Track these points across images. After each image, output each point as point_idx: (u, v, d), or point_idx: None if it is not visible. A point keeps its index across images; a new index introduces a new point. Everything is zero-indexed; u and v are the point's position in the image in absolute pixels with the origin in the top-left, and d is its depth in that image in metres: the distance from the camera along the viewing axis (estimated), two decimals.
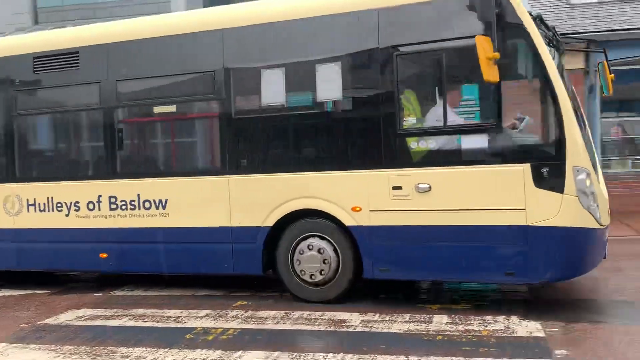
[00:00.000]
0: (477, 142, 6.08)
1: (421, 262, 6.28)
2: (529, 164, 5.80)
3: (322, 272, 6.57)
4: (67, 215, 7.67)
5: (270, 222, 6.75)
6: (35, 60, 7.84)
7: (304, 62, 6.65)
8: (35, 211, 7.85)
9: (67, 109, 7.91)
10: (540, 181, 5.81)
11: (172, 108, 7.46)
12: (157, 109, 7.50)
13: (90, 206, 7.55)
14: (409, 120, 6.34)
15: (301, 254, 6.64)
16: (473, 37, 5.62)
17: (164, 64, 7.30)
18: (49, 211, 7.77)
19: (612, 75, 7.30)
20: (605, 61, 7.31)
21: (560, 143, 5.77)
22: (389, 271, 6.41)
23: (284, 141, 7.00)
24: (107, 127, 7.56)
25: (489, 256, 6.05)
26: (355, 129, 6.56)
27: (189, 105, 7.51)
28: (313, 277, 6.60)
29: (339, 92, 6.53)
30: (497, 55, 5.49)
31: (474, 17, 5.84)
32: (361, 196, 6.40)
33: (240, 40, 6.94)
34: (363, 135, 6.53)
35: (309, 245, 6.62)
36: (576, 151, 5.72)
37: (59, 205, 7.72)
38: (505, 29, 5.80)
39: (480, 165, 6.02)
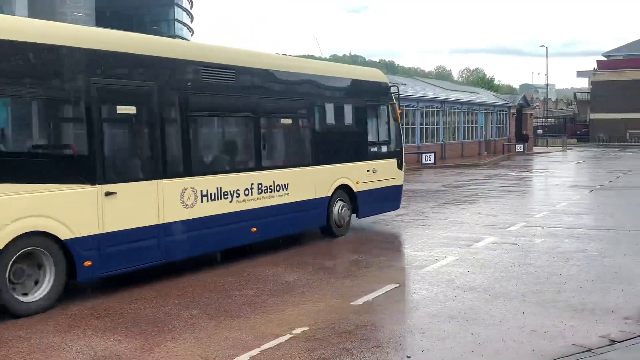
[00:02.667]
0: (385, 149, 13.42)
1: (375, 205, 13.01)
2: (396, 159, 13.61)
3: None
4: (230, 201, 9.41)
5: (329, 193, 11.61)
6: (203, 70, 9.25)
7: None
8: (208, 201, 9.00)
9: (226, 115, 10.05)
10: (399, 166, 13.71)
11: (288, 122, 11.18)
12: (282, 122, 11.08)
13: (245, 192, 9.67)
14: (369, 137, 12.94)
15: (340, 212, 11.88)
16: (382, 102, 13.31)
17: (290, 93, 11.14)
18: (219, 199, 9.16)
19: (400, 110, 13.97)
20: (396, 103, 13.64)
21: (400, 152, 13.76)
22: (364, 214, 12.73)
23: (336, 144, 11.94)
24: (255, 133, 10.13)
25: (389, 199, 13.47)
26: (357, 140, 12.56)
27: (298, 119, 11.42)
28: (345, 221, 12.10)
29: (351, 121, 12.43)
30: (399, 111, 13.53)
31: (384, 92, 13.45)
32: (359, 175, 12.38)
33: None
34: (355, 144, 12.53)
35: (341, 206, 11.96)
36: (403, 153, 13.95)
37: (225, 193, 9.28)
38: (387, 102, 13.39)
39: (387, 159, 13.34)
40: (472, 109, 45.07)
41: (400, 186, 13.77)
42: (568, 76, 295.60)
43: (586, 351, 5.58)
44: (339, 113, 12.01)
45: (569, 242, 11.40)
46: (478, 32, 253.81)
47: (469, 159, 39.61)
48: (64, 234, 7.21)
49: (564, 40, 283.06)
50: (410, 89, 39.61)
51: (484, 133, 47.00)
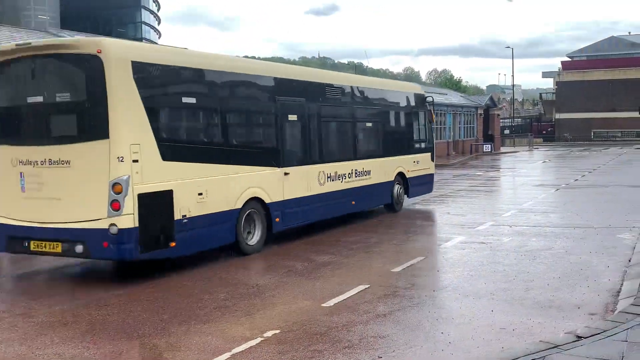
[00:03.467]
0: (423, 145, 17.30)
1: (419, 188, 16.89)
2: (430, 153, 17.53)
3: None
4: (341, 181, 13.21)
5: (393, 178, 15.43)
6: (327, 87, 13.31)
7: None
8: (330, 181, 12.84)
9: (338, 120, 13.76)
10: (432, 159, 17.61)
11: (369, 124, 14.92)
12: (366, 125, 14.83)
13: (348, 175, 13.43)
14: (414, 136, 16.91)
15: (399, 192, 15.70)
16: (421, 109, 17.22)
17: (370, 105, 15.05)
18: (335, 180, 12.99)
19: (434, 115, 17.95)
20: (432, 109, 17.80)
21: (432, 148, 17.76)
22: (412, 195, 16.56)
23: (395, 141, 15.90)
24: (353, 133, 14.10)
25: (426, 184, 17.33)
26: (405, 138, 16.42)
27: (375, 122, 15.10)
28: (402, 199, 15.92)
29: (403, 123, 16.58)
30: (433, 116, 18.29)
31: (422, 101, 17.37)
32: (409, 165, 16.12)
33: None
34: (406, 141, 16.42)
35: (399, 188, 15.71)
36: (434, 148, 18.40)
37: (339, 176, 13.08)
38: (424, 109, 17.46)
39: (424, 153, 17.24)
40: (440, 110, 45.46)
41: (433, 174, 17.76)
42: (534, 76, 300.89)
43: (553, 347, 5.66)
44: (397, 117, 16.25)
45: (536, 240, 11.58)
46: (445, 33, 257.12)
47: (438, 159, 39.67)
48: (267, 199, 10.93)
49: (528, 41, 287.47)
50: None
51: (452, 134, 47.47)
